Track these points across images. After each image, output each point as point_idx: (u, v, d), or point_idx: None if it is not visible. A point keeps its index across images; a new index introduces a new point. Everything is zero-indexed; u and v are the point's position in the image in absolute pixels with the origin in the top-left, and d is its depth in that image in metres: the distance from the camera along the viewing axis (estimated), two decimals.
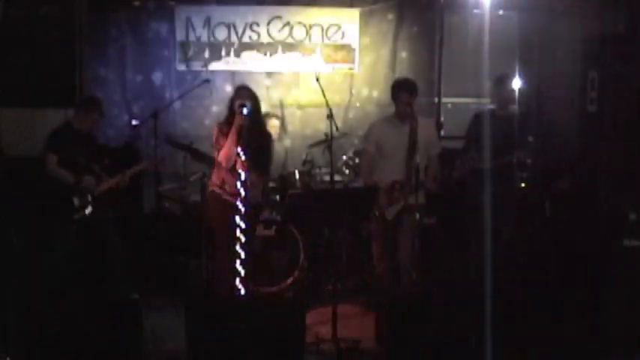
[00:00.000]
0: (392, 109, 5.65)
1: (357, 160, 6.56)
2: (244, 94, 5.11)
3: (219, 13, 7.40)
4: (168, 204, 7.11)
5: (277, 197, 6.35)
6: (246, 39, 7.44)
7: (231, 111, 5.11)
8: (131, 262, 5.80)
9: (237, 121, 4.96)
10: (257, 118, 5.20)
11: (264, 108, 5.88)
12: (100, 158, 5.82)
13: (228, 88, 7.28)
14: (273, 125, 6.64)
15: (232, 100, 5.17)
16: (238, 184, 4.80)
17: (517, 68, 7.12)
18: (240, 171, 4.80)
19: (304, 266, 6.13)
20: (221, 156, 5.07)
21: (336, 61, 7.52)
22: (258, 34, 7.44)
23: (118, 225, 5.71)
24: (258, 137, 5.17)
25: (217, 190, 5.21)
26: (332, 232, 6.22)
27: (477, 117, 5.96)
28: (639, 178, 5.29)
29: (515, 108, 6.26)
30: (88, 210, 5.53)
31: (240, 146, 4.86)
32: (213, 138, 5.19)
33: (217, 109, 7.26)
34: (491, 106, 6.05)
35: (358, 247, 6.40)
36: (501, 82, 5.86)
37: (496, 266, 5.54)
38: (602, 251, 5.12)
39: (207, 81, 6.87)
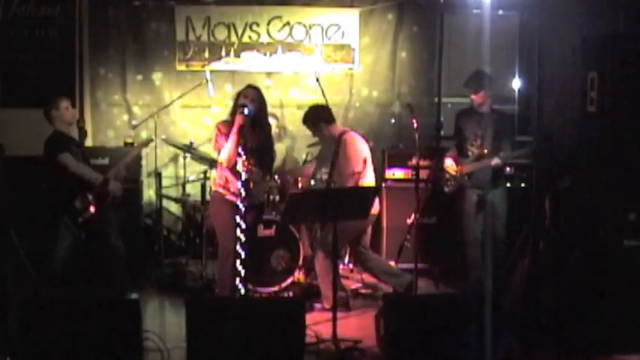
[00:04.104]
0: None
1: None
2: (248, 94, 5.10)
3: (219, 13, 7.40)
4: (168, 204, 7.12)
5: (277, 197, 6.34)
6: (246, 39, 7.44)
7: (234, 110, 5.10)
8: (131, 262, 5.79)
9: (238, 121, 4.95)
10: (260, 119, 5.19)
11: None
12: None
13: (228, 88, 7.30)
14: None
15: (236, 100, 5.17)
16: (239, 184, 4.80)
17: (517, 68, 7.13)
18: (241, 171, 4.80)
19: (304, 266, 6.15)
20: (222, 156, 5.06)
21: (335, 61, 7.53)
22: (258, 34, 7.44)
23: (119, 225, 5.70)
24: (260, 137, 5.17)
25: (221, 190, 5.20)
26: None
27: (457, 115, 6.15)
28: (639, 178, 5.29)
29: (513, 108, 6.29)
30: (92, 210, 5.47)
31: (241, 146, 4.86)
32: (214, 138, 5.18)
33: (217, 109, 7.28)
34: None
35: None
36: (467, 85, 6.01)
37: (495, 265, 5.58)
38: (602, 251, 5.12)
39: (207, 81, 6.88)
